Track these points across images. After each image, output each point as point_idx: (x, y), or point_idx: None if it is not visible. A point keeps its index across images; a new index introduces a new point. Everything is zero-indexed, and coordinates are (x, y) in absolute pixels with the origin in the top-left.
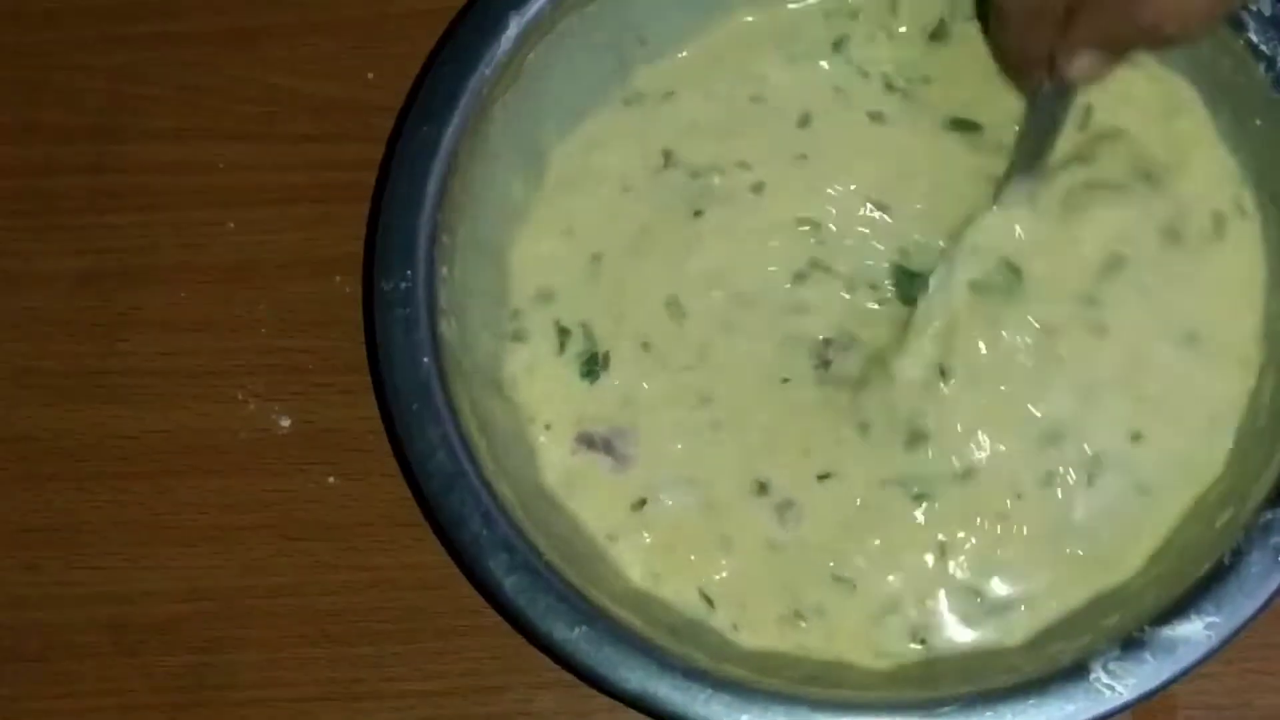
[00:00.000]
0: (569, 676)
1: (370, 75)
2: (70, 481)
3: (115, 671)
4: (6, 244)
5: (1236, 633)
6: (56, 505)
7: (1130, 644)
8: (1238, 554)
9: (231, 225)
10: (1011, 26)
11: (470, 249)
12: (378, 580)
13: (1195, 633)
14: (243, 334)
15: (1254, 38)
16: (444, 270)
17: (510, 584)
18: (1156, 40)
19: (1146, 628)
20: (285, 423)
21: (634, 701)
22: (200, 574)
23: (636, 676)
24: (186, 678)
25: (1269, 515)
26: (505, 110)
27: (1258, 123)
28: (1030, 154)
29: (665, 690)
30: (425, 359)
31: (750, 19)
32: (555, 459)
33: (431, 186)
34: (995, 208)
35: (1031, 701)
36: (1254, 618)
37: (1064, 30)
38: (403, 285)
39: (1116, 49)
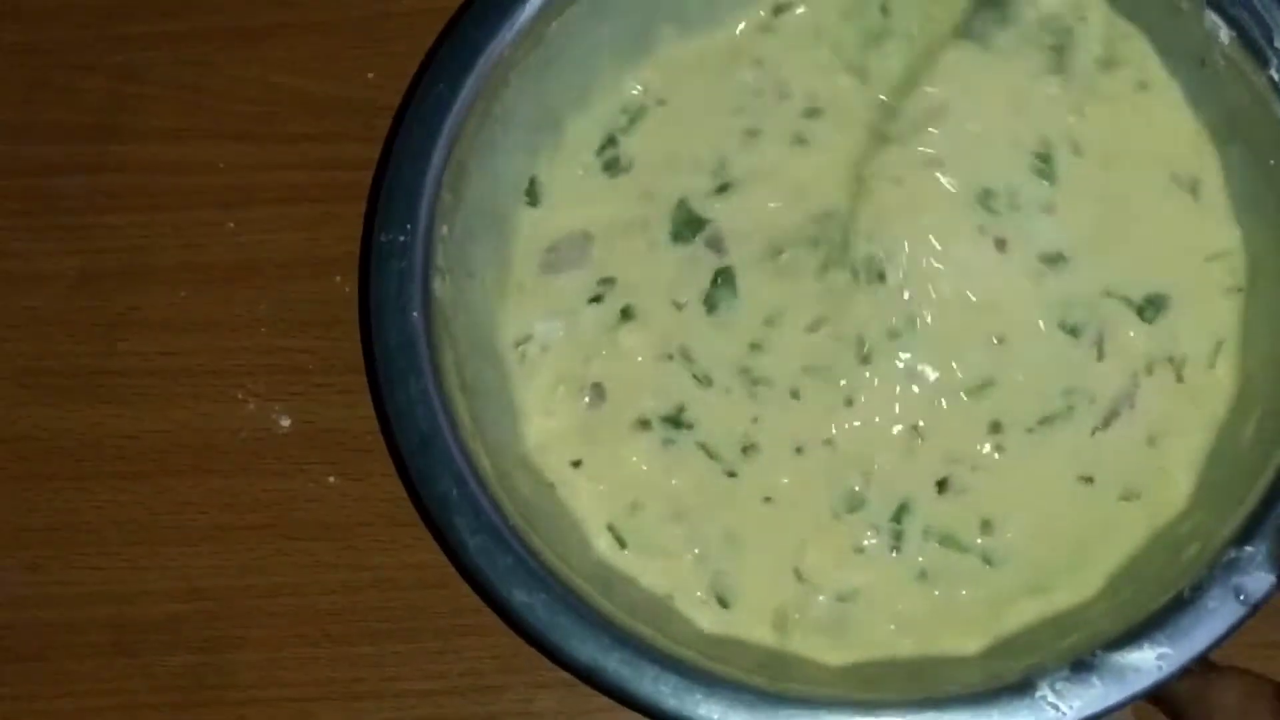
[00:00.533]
0: (569, 676)
1: (370, 75)
2: (70, 481)
3: (115, 671)
4: (6, 244)
5: (1187, 665)
6: (56, 505)
7: (1079, 666)
8: (1197, 589)
9: (231, 225)
10: None
11: (476, 212)
12: (378, 580)
13: (1146, 661)
14: (243, 334)
15: (1276, 75)
16: (444, 229)
17: (473, 544)
18: None
19: (1098, 651)
20: (285, 422)
21: (583, 674)
22: (200, 574)
23: (588, 649)
24: (186, 677)
25: (1233, 553)
26: (522, 77)
27: (1271, 163)
28: None
29: (614, 665)
30: (415, 313)
31: None
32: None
33: (441, 143)
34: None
35: (976, 712)
36: (1206, 652)
37: None
38: (400, 238)
39: None
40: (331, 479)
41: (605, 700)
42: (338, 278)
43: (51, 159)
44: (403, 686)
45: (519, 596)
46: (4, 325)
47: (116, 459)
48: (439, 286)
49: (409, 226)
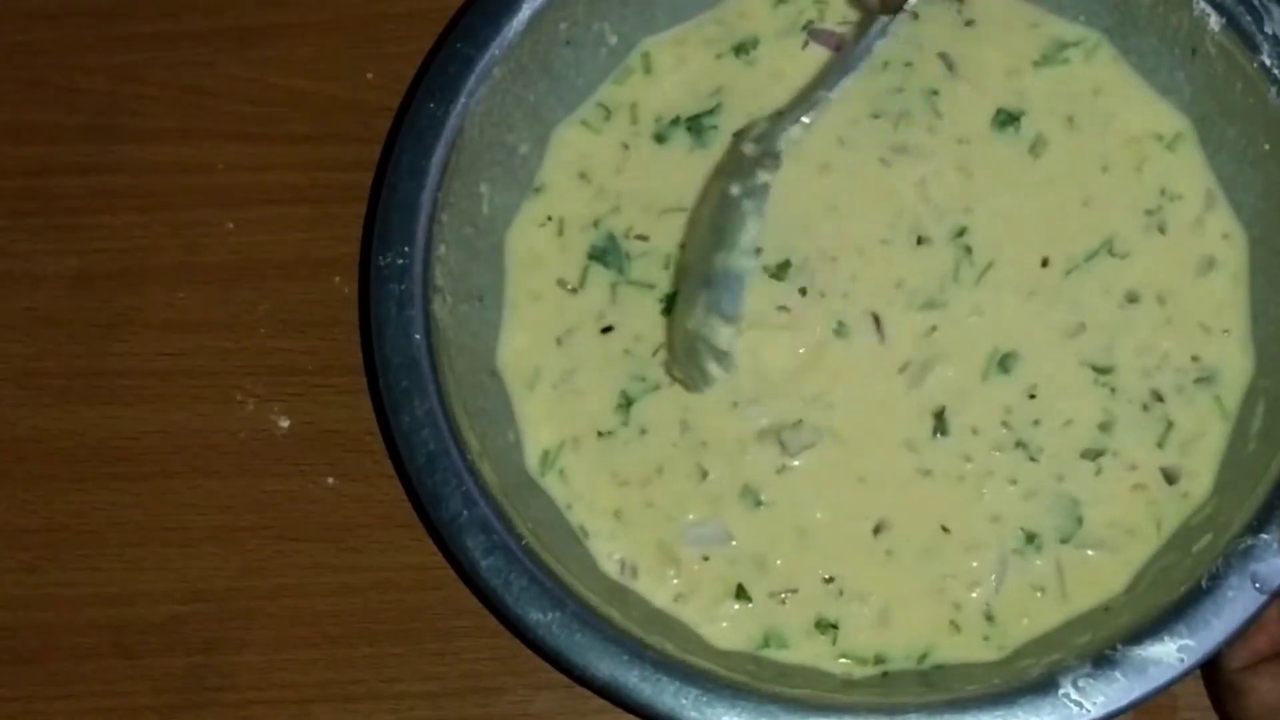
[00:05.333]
0: (568, 679)
1: (370, 75)
2: (69, 482)
3: (114, 673)
4: (6, 244)
5: (1207, 657)
6: (56, 506)
7: (1101, 662)
8: (1215, 578)
9: (230, 225)
10: None
11: (473, 232)
12: (376, 581)
13: (1167, 654)
14: (242, 334)
15: (1267, 60)
16: (441, 249)
17: (487, 565)
18: None
19: (1119, 646)
20: (284, 423)
21: (603, 690)
22: (199, 575)
23: (606, 665)
24: (185, 679)
25: (1249, 541)
26: (513, 92)
27: (1266, 147)
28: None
29: (634, 680)
30: (417, 336)
31: None
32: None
33: (434, 164)
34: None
35: (999, 713)
36: (1226, 643)
37: None
38: (399, 261)
39: None
40: (330, 480)
41: (604, 701)
42: (336, 278)
43: (51, 159)
44: (401, 688)
45: (534, 615)
46: (4, 325)
47: (116, 460)
48: (439, 307)
49: (406, 249)
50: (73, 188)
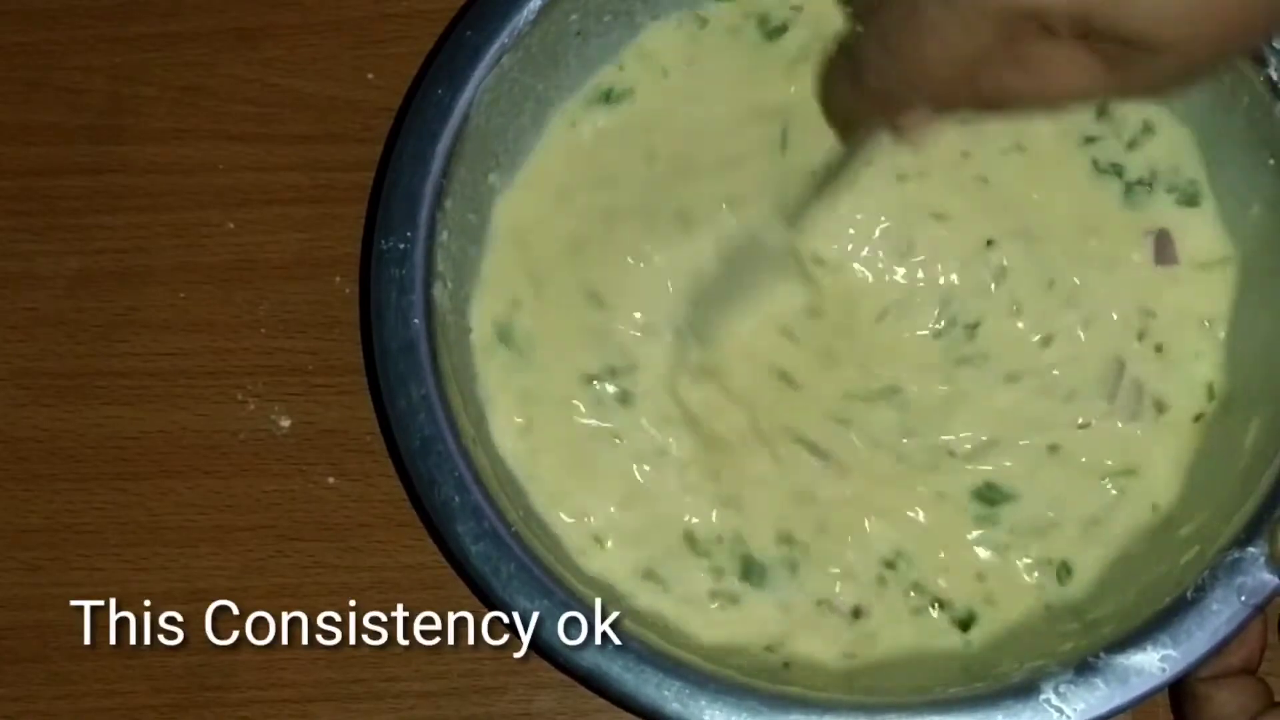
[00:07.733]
0: (567, 676)
1: (370, 75)
2: (70, 482)
3: (115, 672)
4: (6, 244)
5: (1190, 668)
6: (56, 505)
7: (1084, 668)
8: (1200, 590)
9: (231, 225)
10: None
11: (474, 214)
12: (377, 581)
13: (1149, 664)
14: (242, 334)
15: (1274, 75)
16: (444, 235)
17: (476, 551)
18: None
19: (1102, 654)
20: (285, 423)
21: (586, 680)
22: (200, 574)
23: (590, 654)
24: (186, 678)
25: (1236, 554)
26: (521, 81)
27: (1271, 162)
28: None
29: (617, 671)
30: (416, 320)
31: None
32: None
33: (440, 149)
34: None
35: (979, 715)
36: (1209, 655)
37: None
38: (401, 245)
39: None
40: (331, 480)
41: (605, 701)
42: (337, 278)
43: (51, 159)
44: (402, 687)
45: (521, 603)
46: (4, 325)
47: (116, 459)
48: (439, 293)
49: (409, 233)
50: (73, 188)
